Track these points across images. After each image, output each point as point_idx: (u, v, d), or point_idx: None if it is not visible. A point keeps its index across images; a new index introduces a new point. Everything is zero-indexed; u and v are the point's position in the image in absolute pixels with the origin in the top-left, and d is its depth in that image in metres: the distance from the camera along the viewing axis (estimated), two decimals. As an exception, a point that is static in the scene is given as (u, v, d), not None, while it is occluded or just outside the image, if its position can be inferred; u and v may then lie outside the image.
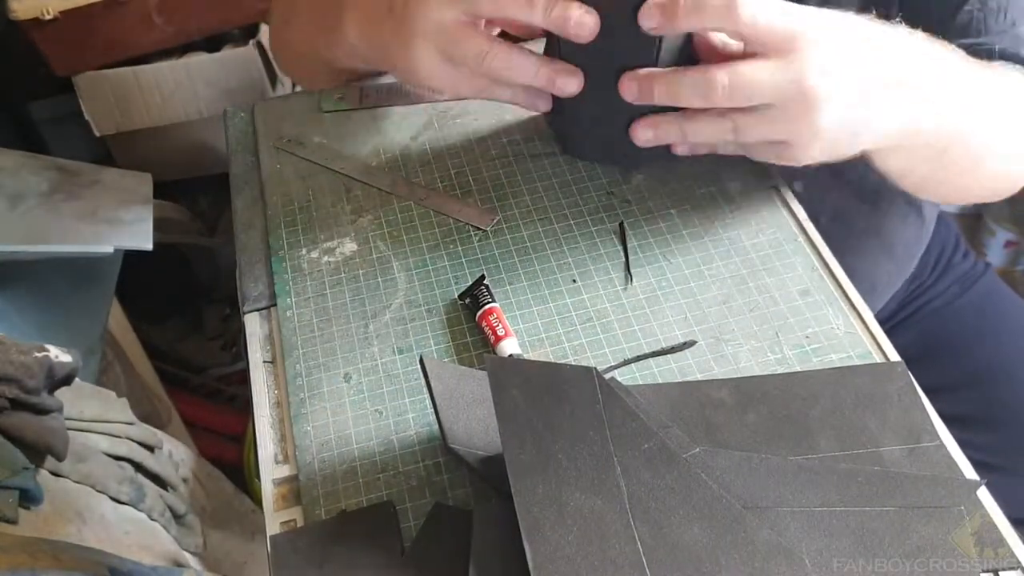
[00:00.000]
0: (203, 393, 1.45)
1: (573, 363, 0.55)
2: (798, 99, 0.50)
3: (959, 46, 0.61)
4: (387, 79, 0.76)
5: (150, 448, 0.82)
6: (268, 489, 0.51)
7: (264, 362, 0.58)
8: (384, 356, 0.57)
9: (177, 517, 0.81)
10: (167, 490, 0.82)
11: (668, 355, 0.54)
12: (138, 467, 0.79)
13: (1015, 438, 0.83)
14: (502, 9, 0.54)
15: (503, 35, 0.61)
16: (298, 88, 1.32)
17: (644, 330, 0.56)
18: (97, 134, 1.29)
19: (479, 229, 0.63)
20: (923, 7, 0.66)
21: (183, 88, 1.26)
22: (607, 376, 0.49)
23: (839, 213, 0.80)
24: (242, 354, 1.14)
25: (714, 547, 0.43)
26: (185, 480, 0.86)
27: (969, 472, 0.48)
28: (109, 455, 0.76)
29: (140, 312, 1.32)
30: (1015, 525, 0.47)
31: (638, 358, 0.54)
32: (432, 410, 0.49)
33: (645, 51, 0.55)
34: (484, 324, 0.56)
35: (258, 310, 0.61)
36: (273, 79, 1.28)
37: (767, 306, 0.57)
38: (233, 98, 1.25)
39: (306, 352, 0.57)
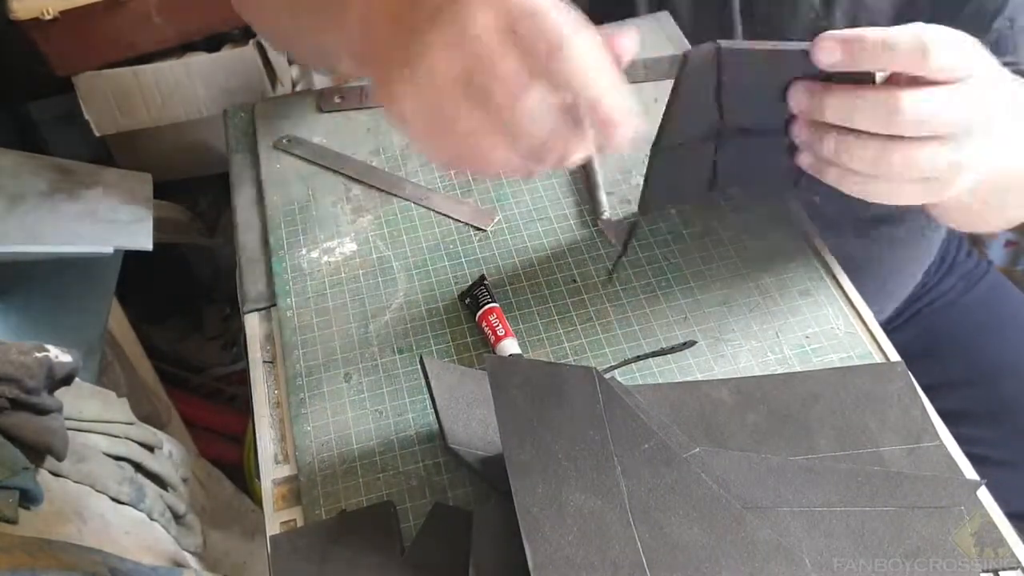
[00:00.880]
0: (203, 393, 1.45)
1: (573, 363, 0.55)
2: (966, 136, 0.47)
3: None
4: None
5: (150, 448, 0.82)
6: (268, 489, 0.51)
7: (264, 362, 0.58)
8: (384, 356, 0.57)
9: (177, 517, 0.81)
10: (167, 490, 0.82)
11: (668, 355, 0.54)
12: (138, 467, 0.79)
13: (1020, 434, 0.83)
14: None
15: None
16: (298, 88, 1.32)
17: (644, 330, 0.56)
18: (97, 134, 1.28)
19: (479, 229, 0.63)
20: (951, 24, 0.65)
21: (183, 88, 1.26)
22: (607, 376, 0.49)
23: (858, 223, 0.81)
24: (242, 354, 1.14)
25: (714, 547, 0.43)
26: (185, 480, 0.86)
27: (969, 472, 0.48)
28: (109, 455, 0.76)
29: (140, 312, 1.31)
30: (1020, 520, 0.47)
31: (638, 358, 0.54)
32: (432, 410, 0.49)
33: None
34: (484, 324, 0.56)
35: (258, 310, 0.61)
36: (273, 79, 1.28)
37: (767, 306, 0.57)
38: (233, 98, 1.24)
39: (306, 352, 0.57)
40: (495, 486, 0.47)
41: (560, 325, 0.57)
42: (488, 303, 0.57)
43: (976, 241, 1.55)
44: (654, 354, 0.54)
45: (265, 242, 0.65)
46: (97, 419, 0.77)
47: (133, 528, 0.73)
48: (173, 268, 1.41)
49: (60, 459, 0.68)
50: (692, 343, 0.55)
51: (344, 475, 0.51)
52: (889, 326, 0.91)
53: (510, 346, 0.55)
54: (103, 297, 1.03)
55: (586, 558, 0.41)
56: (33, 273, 0.92)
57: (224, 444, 1.35)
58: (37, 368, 0.65)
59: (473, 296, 0.58)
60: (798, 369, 0.53)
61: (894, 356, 0.54)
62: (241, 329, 0.61)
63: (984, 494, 0.47)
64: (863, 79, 0.47)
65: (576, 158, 0.40)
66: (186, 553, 0.79)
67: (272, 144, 0.71)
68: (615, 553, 0.42)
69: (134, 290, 1.19)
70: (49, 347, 0.67)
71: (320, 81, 1.38)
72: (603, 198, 0.63)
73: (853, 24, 0.60)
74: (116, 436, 0.78)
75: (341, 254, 0.63)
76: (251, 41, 1.25)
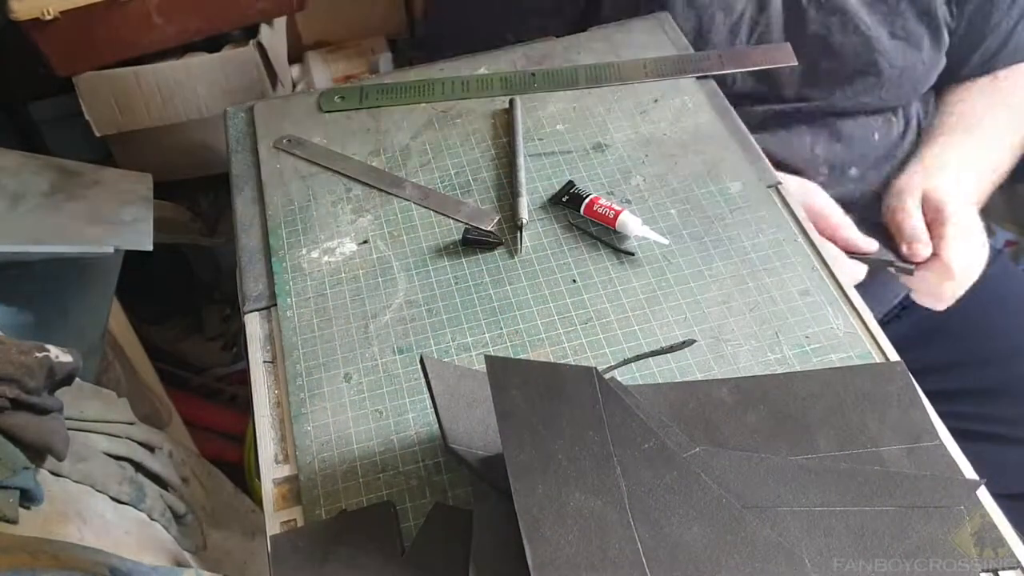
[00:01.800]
0: (203, 393, 1.45)
1: (573, 363, 0.55)
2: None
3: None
4: (387, 78, 0.76)
5: (150, 448, 0.82)
6: (268, 489, 0.51)
7: (264, 362, 0.58)
8: (384, 356, 0.57)
9: (177, 517, 0.81)
10: (167, 490, 0.82)
11: (668, 355, 0.54)
12: (138, 467, 0.79)
13: None
14: None
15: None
16: (298, 88, 1.32)
17: (644, 330, 0.56)
18: (97, 134, 1.28)
19: (479, 229, 0.63)
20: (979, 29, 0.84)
21: (183, 88, 1.26)
22: (607, 376, 0.49)
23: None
24: (242, 354, 1.14)
25: (714, 547, 0.43)
26: (185, 480, 0.86)
27: (969, 472, 0.48)
28: (109, 455, 0.76)
29: (140, 312, 1.31)
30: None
31: (638, 358, 0.54)
32: (432, 410, 0.49)
33: None
34: (597, 209, 0.62)
35: (258, 310, 0.61)
36: (273, 79, 1.28)
37: (767, 306, 0.57)
38: (233, 98, 1.25)
39: (306, 352, 0.57)
40: (495, 486, 0.47)
41: (560, 325, 0.57)
42: (589, 195, 0.62)
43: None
44: (654, 353, 0.54)
45: (265, 242, 0.65)
46: (97, 419, 0.77)
47: (133, 528, 0.73)
48: (173, 268, 1.41)
49: (60, 459, 0.68)
50: (692, 342, 0.55)
51: (344, 475, 0.51)
52: (904, 301, 0.92)
53: (630, 218, 0.60)
54: (103, 297, 1.03)
55: (586, 558, 0.41)
56: (33, 273, 0.92)
57: (224, 444, 1.35)
58: (37, 368, 0.65)
59: (572, 195, 0.63)
60: (798, 369, 0.53)
61: (894, 356, 0.54)
62: (241, 329, 0.61)
63: (984, 494, 0.47)
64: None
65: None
66: (186, 553, 0.79)
67: (272, 144, 0.71)
68: (615, 553, 0.42)
69: (134, 290, 1.19)
70: (49, 347, 0.67)
71: (320, 81, 1.38)
72: (523, 203, 0.64)
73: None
74: (116, 436, 0.78)
75: (341, 254, 0.63)
76: (251, 41, 1.25)
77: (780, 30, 0.80)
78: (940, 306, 0.80)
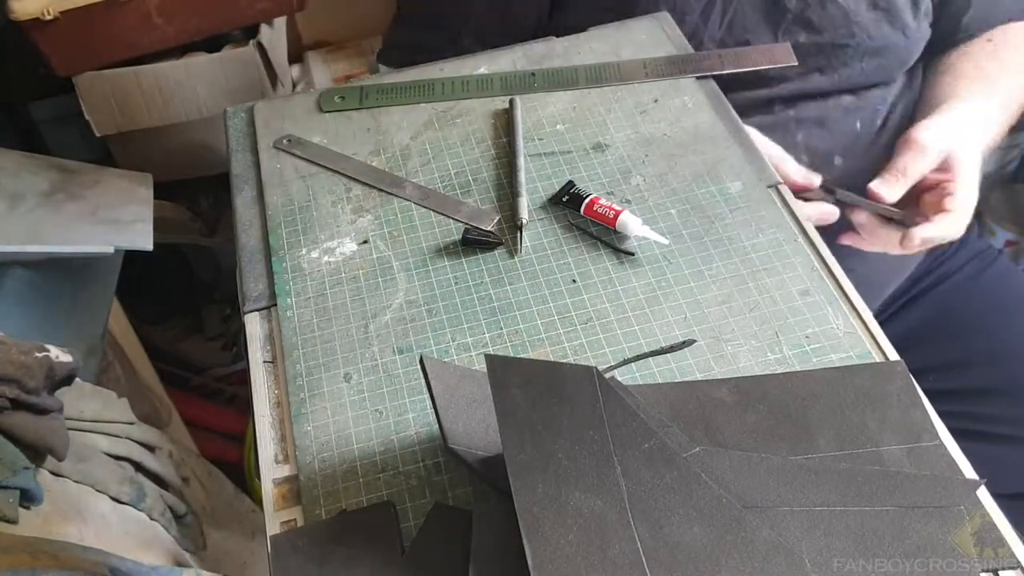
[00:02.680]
0: (203, 393, 1.45)
1: (573, 363, 0.55)
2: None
3: None
4: (388, 79, 0.76)
5: (150, 448, 0.82)
6: (268, 489, 0.51)
7: (264, 362, 0.58)
8: (384, 356, 0.57)
9: (177, 517, 0.81)
10: (167, 490, 0.82)
11: (668, 355, 0.54)
12: (138, 467, 0.79)
13: None
14: None
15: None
16: (298, 88, 1.32)
17: (644, 330, 0.56)
18: (97, 134, 1.28)
19: (479, 229, 0.63)
20: None
21: (183, 88, 1.26)
22: (607, 376, 0.49)
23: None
24: (242, 354, 1.14)
25: (714, 547, 0.43)
26: (185, 480, 0.86)
27: (969, 472, 0.48)
28: (109, 455, 0.76)
29: (140, 312, 1.31)
30: None
31: (638, 357, 0.54)
32: (432, 410, 0.49)
33: None
34: (597, 209, 0.62)
35: (258, 310, 0.61)
36: (273, 79, 1.28)
37: (767, 306, 0.57)
38: (233, 98, 1.25)
39: (306, 352, 0.57)
40: (495, 486, 0.47)
41: (560, 325, 0.57)
42: (589, 195, 0.63)
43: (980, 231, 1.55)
44: (654, 353, 0.54)
45: (265, 242, 0.65)
46: (97, 419, 0.77)
47: (133, 528, 0.73)
48: (173, 268, 1.41)
49: (60, 459, 0.68)
50: (692, 342, 0.55)
51: (344, 475, 0.51)
52: (902, 298, 0.92)
53: (630, 218, 0.61)
54: (103, 297, 1.03)
55: (586, 558, 0.41)
56: (33, 273, 0.92)
57: (224, 444, 1.35)
58: (37, 368, 0.65)
59: (572, 195, 0.64)
60: (798, 369, 0.53)
61: (894, 356, 0.54)
62: (241, 329, 0.61)
63: (984, 494, 0.47)
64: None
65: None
66: (186, 553, 0.79)
67: (272, 144, 0.71)
68: (615, 553, 0.42)
69: (134, 290, 1.19)
70: (49, 347, 0.67)
71: (320, 81, 1.38)
72: (523, 203, 0.64)
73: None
74: (116, 436, 0.78)
75: (341, 254, 0.63)
76: (251, 41, 1.25)
77: (756, 7, 0.79)
78: (892, 250, 0.78)
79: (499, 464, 0.44)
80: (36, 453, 0.66)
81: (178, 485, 0.84)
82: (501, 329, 0.57)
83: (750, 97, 0.80)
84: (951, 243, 0.97)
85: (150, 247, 0.94)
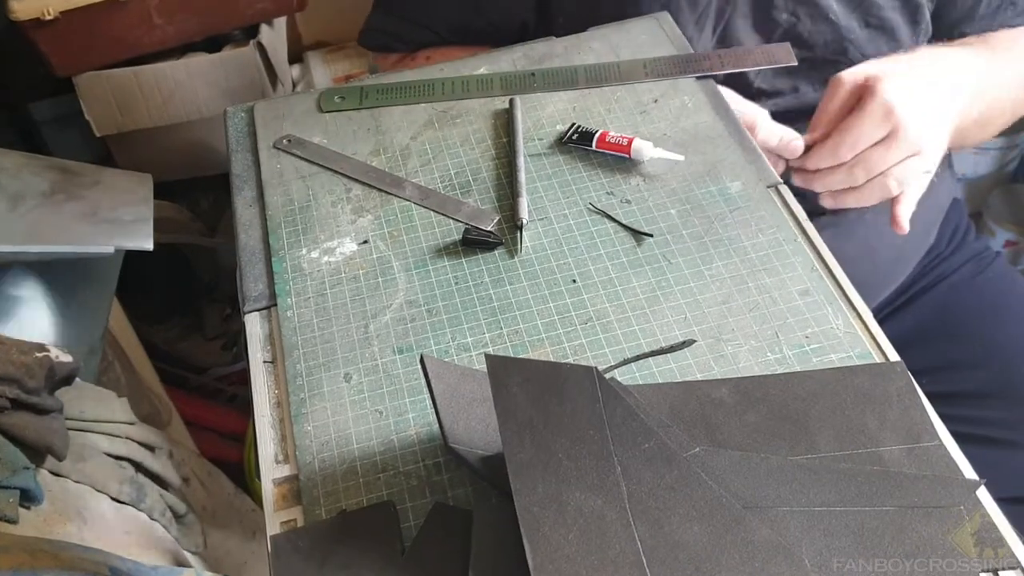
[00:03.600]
0: (203, 393, 1.45)
1: (573, 363, 0.55)
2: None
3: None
4: (388, 79, 0.76)
5: (150, 448, 0.82)
6: (268, 489, 0.51)
7: (264, 362, 0.58)
8: (384, 356, 0.57)
9: (177, 517, 0.81)
10: (167, 490, 0.82)
11: (668, 355, 0.54)
12: (138, 467, 0.79)
13: None
14: None
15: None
16: (298, 88, 1.32)
17: (644, 330, 0.56)
18: (97, 134, 1.29)
19: (479, 229, 0.63)
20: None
21: (183, 88, 1.26)
22: (607, 376, 0.49)
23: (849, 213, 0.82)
24: (242, 354, 1.14)
25: (714, 547, 0.43)
26: (185, 480, 0.86)
27: (969, 472, 0.48)
28: (109, 455, 0.76)
29: (140, 312, 1.31)
30: None
31: (638, 357, 0.54)
32: (432, 410, 0.49)
33: None
34: (610, 140, 0.65)
35: (258, 310, 0.61)
36: (273, 79, 1.28)
37: (767, 306, 0.57)
38: (233, 98, 1.25)
39: (306, 352, 0.57)
40: (495, 486, 0.47)
41: (560, 325, 0.57)
42: (598, 130, 0.66)
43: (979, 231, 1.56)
44: (654, 353, 0.54)
45: (265, 242, 0.65)
46: (97, 419, 0.77)
47: (133, 528, 0.73)
48: (173, 268, 1.41)
49: (60, 459, 0.68)
50: (692, 342, 0.55)
51: (344, 475, 0.51)
52: (899, 299, 0.92)
53: (643, 143, 0.64)
54: (103, 297, 1.03)
55: (586, 558, 0.41)
56: (33, 273, 0.92)
57: (224, 444, 1.35)
58: (37, 368, 0.65)
59: (581, 133, 0.66)
60: (798, 369, 0.53)
61: (894, 356, 0.54)
62: (241, 329, 0.61)
63: (983, 494, 0.47)
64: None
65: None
66: (186, 553, 0.79)
67: (272, 144, 0.71)
68: (615, 553, 0.42)
69: (134, 290, 1.19)
70: (49, 347, 0.67)
71: (320, 81, 1.38)
72: (523, 203, 0.64)
73: None
74: (116, 436, 0.78)
75: (341, 254, 0.63)
76: (251, 41, 1.25)
77: (748, 18, 0.79)
78: (830, 202, 0.73)
79: (499, 464, 0.44)
80: (36, 453, 0.66)
81: (178, 485, 0.84)
82: (501, 329, 0.57)
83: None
84: (948, 244, 0.97)
85: (150, 247, 0.94)
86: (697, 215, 0.63)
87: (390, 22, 0.92)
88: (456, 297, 0.59)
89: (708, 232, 0.61)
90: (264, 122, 0.73)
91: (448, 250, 0.62)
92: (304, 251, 0.63)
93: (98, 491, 0.72)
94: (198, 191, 1.47)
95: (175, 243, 1.33)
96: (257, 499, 1.00)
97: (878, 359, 0.54)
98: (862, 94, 0.68)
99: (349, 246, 0.63)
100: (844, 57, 0.79)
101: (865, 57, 0.79)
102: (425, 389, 0.50)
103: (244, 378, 0.65)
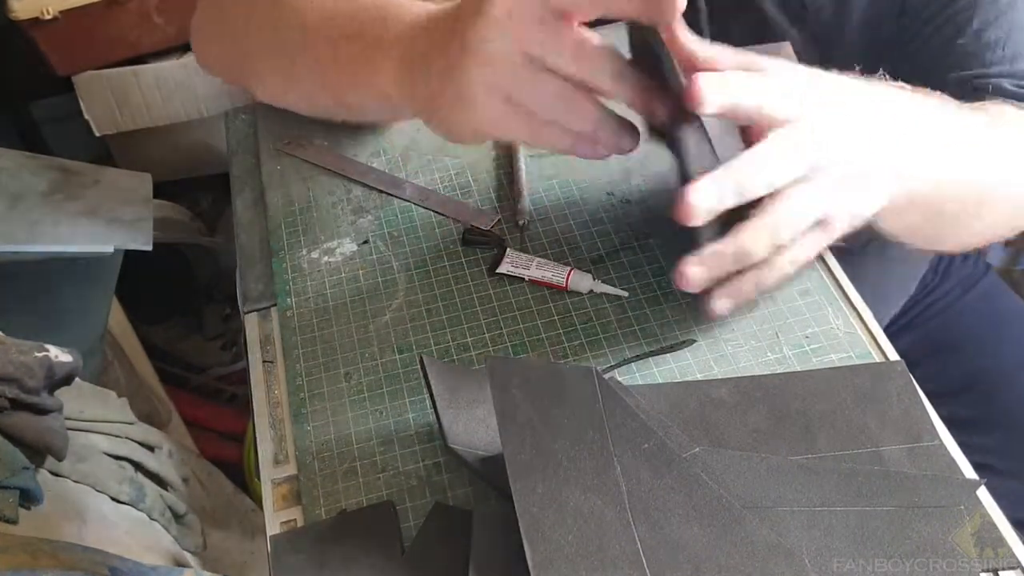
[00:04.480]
0: (203, 393, 1.45)
1: (573, 363, 0.55)
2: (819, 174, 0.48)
3: (958, 79, 0.63)
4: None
5: (150, 448, 0.82)
6: (268, 489, 0.51)
7: (264, 362, 0.58)
8: (384, 356, 0.57)
9: (177, 517, 0.81)
10: (167, 490, 0.82)
11: (668, 355, 0.54)
12: (138, 467, 0.79)
13: (1015, 441, 0.83)
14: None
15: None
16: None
17: (644, 330, 0.56)
18: (97, 134, 1.29)
19: (479, 229, 0.63)
20: (920, 41, 0.68)
21: (183, 88, 1.26)
22: (607, 376, 0.49)
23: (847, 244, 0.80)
24: (242, 354, 1.14)
25: (714, 547, 0.43)
26: (185, 480, 0.86)
27: (969, 472, 0.48)
28: (109, 455, 0.76)
29: (140, 312, 1.32)
30: (1016, 527, 0.47)
31: (638, 358, 0.54)
32: (432, 410, 0.49)
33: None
34: (543, 280, 0.58)
35: (258, 310, 0.61)
36: (273, 79, 1.28)
37: (767, 306, 0.57)
38: (234, 98, 1.25)
39: (306, 352, 0.57)
40: (495, 486, 0.47)
41: (560, 325, 0.57)
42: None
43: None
44: (654, 353, 0.54)
45: (265, 242, 0.65)
46: (97, 419, 0.77)
47: (133, 528, 0.73)
48: (173, 268, 1.41)
49: (60, 459, 0.68)
50: (692, 342, 0.55)
51: (344, 475, 0.51)
52: (889, 329, 0.91)
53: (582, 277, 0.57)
54: (103, 297, 1.03)
55: (586, 558, 0.41)
56: (33, 273, 0.92)
57: (224, 444, 1.35)
58: (37, 368, 0.65)
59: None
60: (798, 369, 0.53)
61: (894, 356, 0.54)
62: (241, 329, 0.61)
63: (984, 494, 0.47)
64: None
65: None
66: (186, 553, 0.79)
67: (273, 145, 0.71)
68: (615, 553, 0.42)
69: (134, 290, 1.19)
70: (49, 347, 0.67)
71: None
72: (523, 203, 0.64)
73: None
74: (116, 436, 0.78)
75: (341, 254, 0.63)
76: (251, 41, 1.24)
77: (741, 25, 0.75)
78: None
79: (499, 464, 0.44)
80: (36, 453, 0.66)
81: (178, 485, 0.84)
82: (501, 329, 0.57)
83: None
84: (935, 275, 0.93)
85: (150, 247, 0.94)
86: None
87: None
88: (456, 297, 0.59)
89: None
90: (265, 123, 0.73)
91: (448, 250, 0.62)
92: (304, 251, 0.63)
93: (98, 491, 0.72)
94: (198, 191, 1.48)
95: (175, 243, 1.33)
96: (257, 499, 1.00)
97: (878, 359, 0.54)
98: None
99: (349, 246, 0.63)
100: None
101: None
102: (425, 389, 0.50)
103: (244, 378, 0.65)
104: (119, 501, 0.74)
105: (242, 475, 1.24)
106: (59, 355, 0.67)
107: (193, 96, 1.27)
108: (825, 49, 0.73)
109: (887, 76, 0.57)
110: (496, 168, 0.68)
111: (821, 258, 0.59)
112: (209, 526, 0.87)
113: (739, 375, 0.53)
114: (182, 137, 1.34)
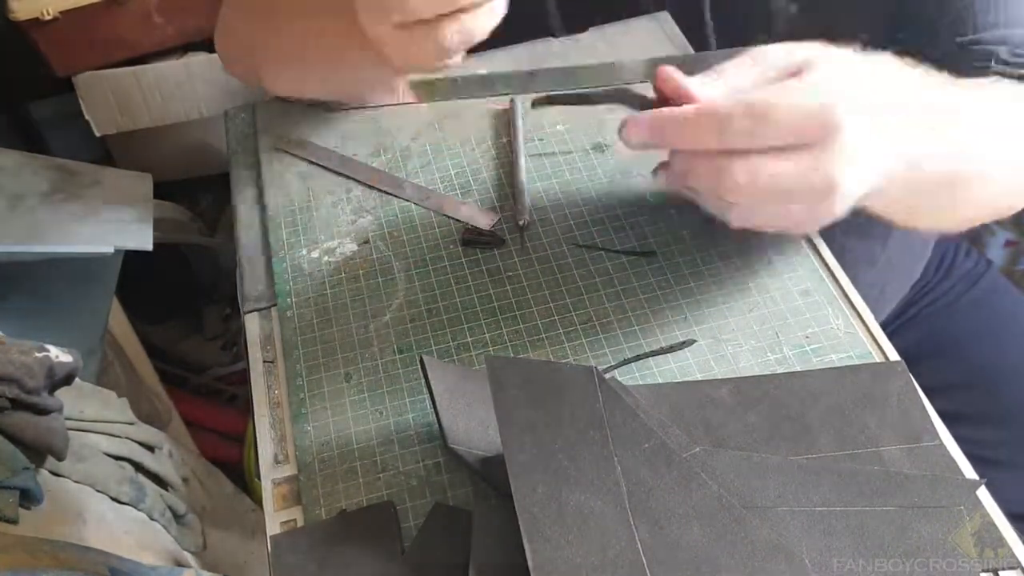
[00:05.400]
0: (203, 393, 1.45)
1: (573, 363, 0.55)
2: (823, 144, 0.45)
3: (957, 45, 0.63)
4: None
5: (150, 448, 0.82)
6: (268, 489, 0.51)
7: (264, 362, 0.58)
8: (384, 356, 0.57)
9: (177, 517, 0.81)
10: (167, 490, 0.82)
11: (668, 355, 0.54)
12: (138, 467, 0.79)
13: (1017, 434, 0.83)
14: None
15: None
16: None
17: (644, 330, 0.56)
18: (97, 134, 1.29)
19: (479, 229, 0.63)
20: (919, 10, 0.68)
21: (183, 88, 1.26)
22: (607, 376, 0.49)
23: (853, 221, 0.80)
24: (242, 354, 1.14)
25: (714, 547, 0.43)
26: (185, 480, 0.86)
27: (969, 472, 0.48)
28: (109, 455, 0.76)
29: (140, 312, 1.31)
30: (1017, 521, 0.47)
31: (638, 358, 0.54)
32: (432, 410, 0.49)
33: None
34: None
35: (258, 310, 0.61)
36: (273, 79, 1.28)
37: (767, 306, 0.57)
38: (233, 98, 1.25)
39: (306, 352, 0.57)
40: (495, 486, 0.47)
41: (560, 325, 0.57)
42: None
43: (975, 241, 1.55)
44: (654, 353, 0.54)
45: (265, 242, 0.65)
46: (97, 419, 0.77)
47: (133, 528, 0.73)
48: (173, 268, 1.41)
49: (60, 459, 0.68)
50: (692, 342, 0.55)
51: (344, 475, 0.51)
52: (887, 329, 0.91)
53: None
54: (103, 297, 1.03)
55: (586, 558, 0.41)
56: (33, 273, 0.92)
57: (224, 444, 1.35)
58: (37, 368, 0.65)
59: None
60: (798, 369, 0.53)
61: (894, 356, 0.54)
62: (241, 329, 0.61)
63: (984, 494, 0.47)
64: None
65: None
66: (186, 553, 0.79)
67: (273, 145, 0.71)
68: (615, 553, 0.42)
69: (134, 290, 1.19)
70: (49, 347, 0.67)
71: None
72: (526, 202, 0.64)
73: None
74: (116, 436, 0.78)
75: (341, 254, 0.63)
76: (251, 41, 1.24)
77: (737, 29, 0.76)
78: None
79: (499, 464, 0.44)
80: (36, 453, 0.66)
81: (178, 485, 0.84)
82: (501, 329, 0.57)
83: None
84: (936, 273, 0.93)
85: (150, 247, 0.94)
86: (697, 214, 0.63)
87: None
88: (456, 297, 0.59)
89: (708, 232, 0.61)
90: (265, 123, 0.73)
91: (448, 250, 0.62)
92: (304, 251, 0.63)
93: (98, 491, 0.72)
94: (198, 191, 1.47)
95: (175, 243, 1.33)
96: (257, 499, 1.00)
97: (878, 359, 0.54)
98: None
99: (349, 246, 0.63)
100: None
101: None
102: (425, 389, 0.50)
103: (244, 378, 0.65)
104: (119, 501, 0.74)
105: (242, 475, 1.24)
106: (59, 355, 0.67)
107: (193, 96, 1.27)
108: (827, 22, 0.71)
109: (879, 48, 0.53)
110: (496, 168, 0.68)
111: (821, 258, 0.59)
112: (209, 526, 0.87)
113: (739, 375, 0.53)
114: (182, 137, 1.34)
